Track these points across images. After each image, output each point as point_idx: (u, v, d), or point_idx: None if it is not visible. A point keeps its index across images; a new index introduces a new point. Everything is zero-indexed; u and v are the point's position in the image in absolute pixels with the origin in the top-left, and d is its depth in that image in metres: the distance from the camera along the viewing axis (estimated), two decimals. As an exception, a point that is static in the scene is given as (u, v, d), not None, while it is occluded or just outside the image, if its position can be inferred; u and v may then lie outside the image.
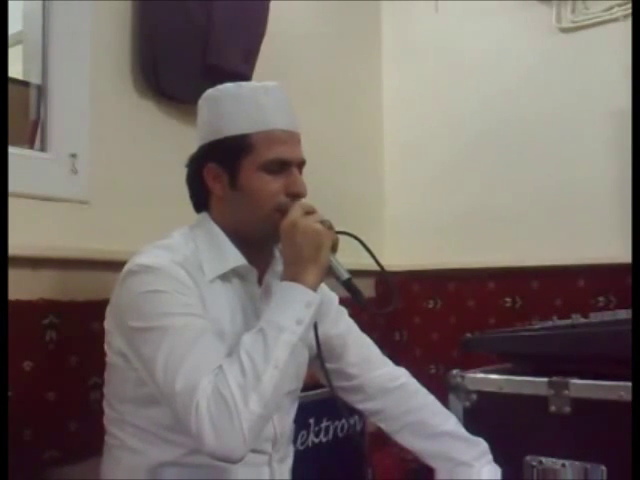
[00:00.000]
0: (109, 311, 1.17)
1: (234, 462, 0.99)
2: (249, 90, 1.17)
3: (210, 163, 1.16)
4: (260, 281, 1.21)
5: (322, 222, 1.10)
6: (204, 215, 1.21)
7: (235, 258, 1.16)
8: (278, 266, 1.22)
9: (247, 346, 1.01)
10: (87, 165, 1.58)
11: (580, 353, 1.50)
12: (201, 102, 1.22)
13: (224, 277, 1.15)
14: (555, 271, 2.24)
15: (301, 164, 1.19)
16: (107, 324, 1.16)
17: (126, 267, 1.12)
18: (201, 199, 1.21)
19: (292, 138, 1.17)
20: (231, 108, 1.15)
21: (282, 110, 1.17)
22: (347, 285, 1.11)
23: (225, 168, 1.15)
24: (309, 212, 1.11)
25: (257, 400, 0.97)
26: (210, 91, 1.21)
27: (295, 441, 1.58)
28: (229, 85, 1.19)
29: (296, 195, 1.15)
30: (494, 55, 2.48)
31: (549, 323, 1.67)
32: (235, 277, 1.17)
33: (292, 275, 1.07)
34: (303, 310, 1.04)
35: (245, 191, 1.14)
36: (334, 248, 1.12)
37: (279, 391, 1.01)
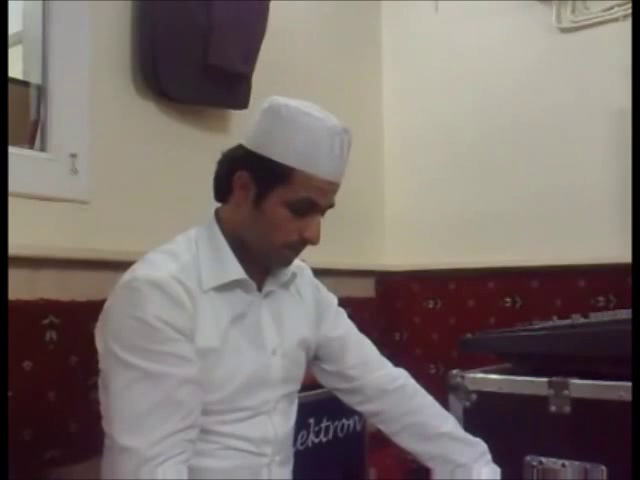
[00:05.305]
0: (100, 317, 1.13)
1: None
2: (324, 128, 1.08)
3: (244, 171, 1.11)
4: (260, 288, 1.19)
5: None
6: (211, 220, 1.18)
7: (235, 272, 1.14)
8: (279, 273, 1.22)
9: None
10: (87, 165, 1.59)
11: (580, 353, 1.50)
12: (269, 109, 1.11)
13: (223, 285, 1.13)
14: (555, 271, 2.24)
15: (329, 207, 1.15)
16: (97, 328, 1.13)
17: (127, 276, 1.08)
18: (223, 191, 1.18)
19: (332, 187, 1.12)
20: (295, 135, 1.07)
21: (340, 161, 1.11)
22: None
23: (256, 185, 1.11)
24: None
25: None
26: (283, 103, 1.09)
27: (295, 441, 1.58)
28: (304, 110, 1.08)
29: (307, 241, 1.13)
30: (494, 55, 2.48)
31: (549, 323, 1.67)
32: (236, 286, 1.15)
33: None
34: None
35: (264, 217, 1.11)
36: None
37: None
